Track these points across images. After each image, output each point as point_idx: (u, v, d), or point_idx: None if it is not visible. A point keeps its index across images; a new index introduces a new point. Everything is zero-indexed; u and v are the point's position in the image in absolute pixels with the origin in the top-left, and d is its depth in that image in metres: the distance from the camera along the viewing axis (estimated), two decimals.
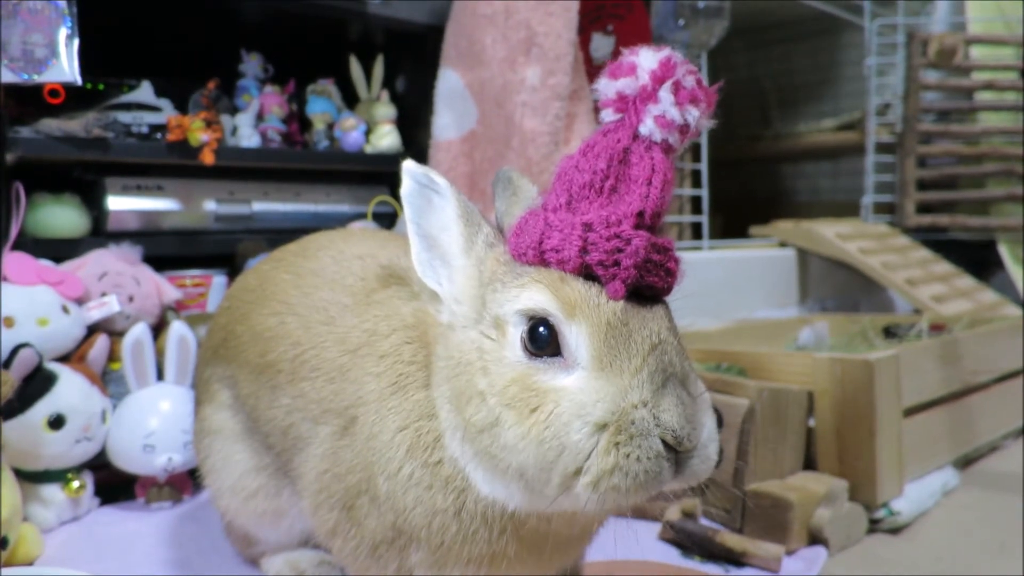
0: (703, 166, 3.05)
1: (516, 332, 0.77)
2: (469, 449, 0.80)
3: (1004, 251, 3.43)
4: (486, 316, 0.80)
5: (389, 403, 0.88)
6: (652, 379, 0.71)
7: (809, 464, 1.57)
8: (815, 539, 1.40)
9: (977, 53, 3.57)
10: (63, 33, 1.63)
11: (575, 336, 0.73)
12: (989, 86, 3.48)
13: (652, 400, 0.70)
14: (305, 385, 0.98)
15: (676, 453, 0.70)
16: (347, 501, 0.90)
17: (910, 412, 1.65)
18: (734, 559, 1.33)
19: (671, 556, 1.36)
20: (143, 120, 1.94)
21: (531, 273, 0.78)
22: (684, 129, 0.78)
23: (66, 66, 1.63)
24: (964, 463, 1.86)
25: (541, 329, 0.75)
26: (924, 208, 3.56)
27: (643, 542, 1.36)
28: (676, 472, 0.71)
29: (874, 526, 1.50)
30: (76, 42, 1.64)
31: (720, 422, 1.47)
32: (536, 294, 0.75)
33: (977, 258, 3.47)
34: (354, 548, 0.91)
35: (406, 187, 0.85)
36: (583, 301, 0.74)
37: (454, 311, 0.85)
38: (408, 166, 0.85)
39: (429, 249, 0.86)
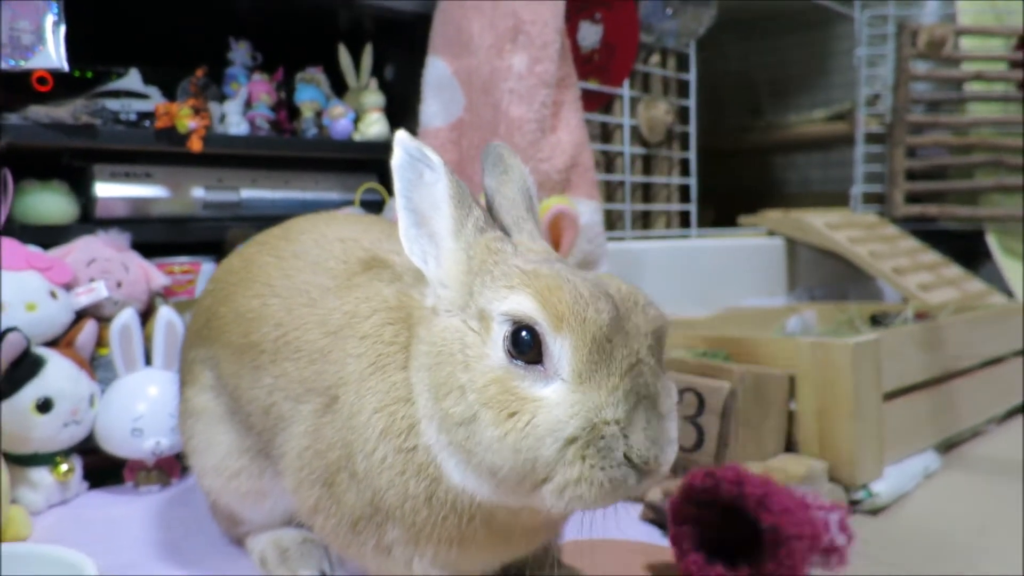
0: (691, 155, 3.07)
1: (500, 331, 0.78)
2: (444, 439, 0.81)
3: (992, 241, 3.45)
4: (472, 306, 0.81)
5: (368, 383, 0.89)
6: (627, 398, 0.73)
7: (792, 447, 1.59)
8: None
9: (967, 44, 3.58)
10: (50, 20, 1.64)
11: (559, 348, 0.75)
12: (978, 77, 3.50)
13: (624, 419, 0.73)
14: (287, 365, 0.99)
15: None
16: (328, 478, 0.91)
17: (891, 396, 1.66)
18: None
19: (652, 536, 1.38)
20: (131, 107, 1.95)
21: (520, 275, 0.78)
22: None
23: (53, 53, 1.63)
24: (947, 447, 1.88)
25: (524, 334, 0.76)
26: (913, 198, 3.57)
27: (624, 522, 1.38)
28: (638, 480, 0.74)
29: (854, 507, 1.51)
30: (63, 29, 1.65)
31: (702, 406, 1.50)
32: (524, 300, 0.76)
33: (966, 248, 3.49)
34: (335, 524, 0.92)
35: (397, 158, 0.85)
36: (571, 314, 0.74)
37: (439, 294, 0.85)
38: (401, 137, 0.85)
39: (417, 225, 0.86)
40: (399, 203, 0.86)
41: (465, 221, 0.85)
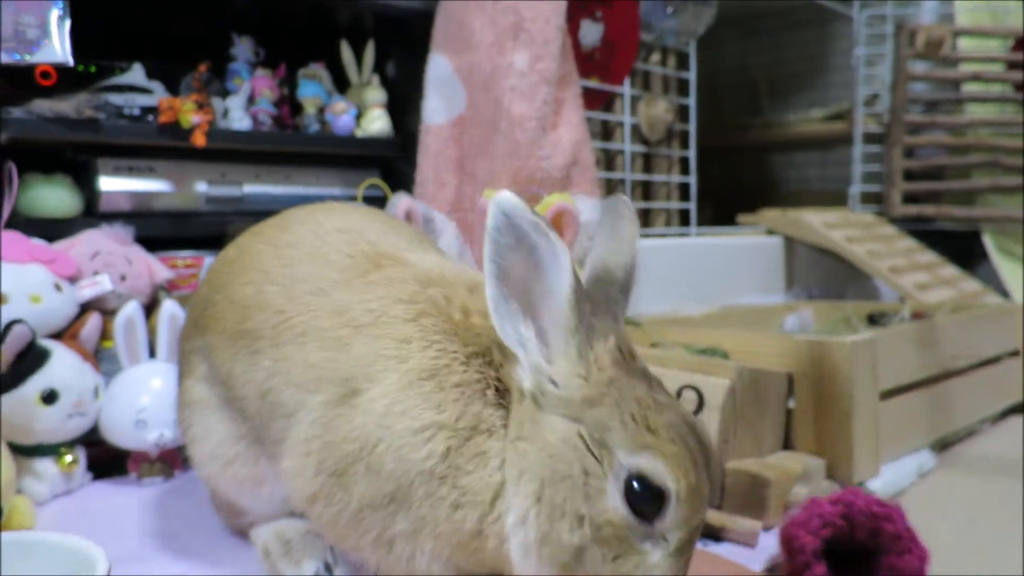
0: (691, 153, 3.08)
1: (622, 473, 0.79)
2: (539, 550, 0.83)
3: (988, 241, 3.46)
4: (593, 424, 0.81)
5: (421, 388, 0.88)
6: (686, 567, 0.82)
7: (789, 444, 1.60)
8: None
9: (964, 44, 3.60)
10: (55, 14, 1.64)
11: (675, 516, 0.79)
12: (976, 77, 3.51)
13: None
14: (289, 349, 0.99)
15: None
16: (339, 468, 0.91)
17: (887, 395, 1.68)
18: (712, 534, 1.36)
19: None
20: (135, 102, 1.96)
21: (650, 433, 0.80)
22: None
23: (58, 47, 1.64)
24: (941, 446, 1.90)
25: (651, 497, 0.79)
26: (910, 198, 3.59)
27: None
28: None
29: None
30: (68, 23, 1.66)
31: (701, 403, 1.51)
32: (662, 467, 0.78)
33: (962, 248, 3.50)
34: (336, 513, 0.92)
35: (494, 220, 0.79)
36: (694, 491, 0.79)
37: (545, 390, 0.84)
38: (505, 198, 0.78)
39: (507, 299, 0.83)
40: (488, 271, 0.82)
41: (583, 318, 0.83)
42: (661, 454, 0.79)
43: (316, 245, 1.07)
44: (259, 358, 1.03)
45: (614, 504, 0.79)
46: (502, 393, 0.89)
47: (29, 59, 1.63)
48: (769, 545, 1.34)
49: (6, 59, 1.59)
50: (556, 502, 0.81)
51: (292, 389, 0.98)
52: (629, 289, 0.94)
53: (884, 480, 1.58)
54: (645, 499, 0.79)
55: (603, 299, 0.90)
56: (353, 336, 0.94)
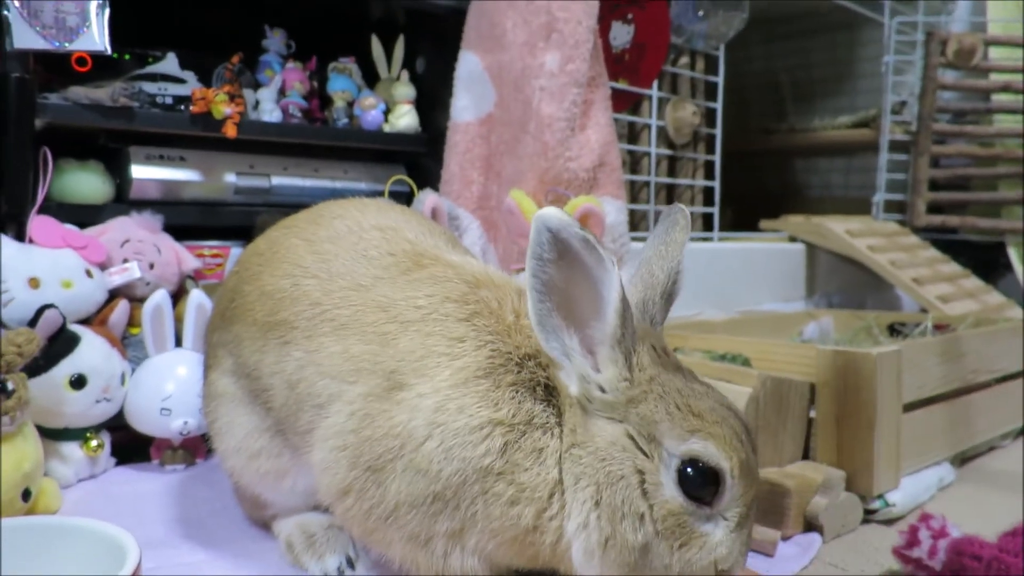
0: (716, 158, 3.06)
1: (673, 461, 0.82)
2: (599, 552, 0.84)
3: (1013, 254, 3.43)
4: (640, 424, 0.84)
5: (476, 386, 0.89)
6: (747, 539, 0.86)
7: (809, 454, 1.60)
8: (811, 526, 1.43)
9: (996, 54, 3.56)
10: (94, 3, 1.66)
11: (732, 495, 0.83)
12: (1006, 88, 3.47)
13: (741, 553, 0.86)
14: (326, 340, 0.99)
15: None
16: (375, 464, 0.91)
17: (910, 407, 1.67)
18: None
19: None
20: (168, 91, 1.97)
21: (695, 418, 0.83)
22: None
23: (97, 35, 1.66)
24: (962, 460, 1.89)
25: (704, 480, 0.82)
26: (935, 208, 3.56)
27: None
28: None
29: (869, 516, 1.53)
30: (107, 12, 1.67)
31: None
32: (712, 448, 0.82)
33: (986, 260, 3.48)
34: (368, 508, 0.92)
35: (539, 236, 0.80)
36: (744, 466, 0.83)
37: (593, 396, 0.86)
38: (552, 216, 0.79)
39: (550, 313, 0.85)
40: (531, 283, 0.83)
41: (628, 326, 0.84)
42: (710, 435, 0.82)
43: (353, 241, 1.08)
44: (290, 348, 1.03)
45: (671, 494, 0.82)
46: (550, 391, 0.91)
47: (69, 47, 1.65)
48: (788, 553, 1.34)
49: (47, 46, 1.61)
50: (616, 504, 0.83)
51: (327, 380, 0.98)
52: (672, 294, 0.96)
53: (904, 493, 1.57)
54: (700, 483, 0.82)
55: (643, 303, 0.93)
56: (400, 331, 0.94)
